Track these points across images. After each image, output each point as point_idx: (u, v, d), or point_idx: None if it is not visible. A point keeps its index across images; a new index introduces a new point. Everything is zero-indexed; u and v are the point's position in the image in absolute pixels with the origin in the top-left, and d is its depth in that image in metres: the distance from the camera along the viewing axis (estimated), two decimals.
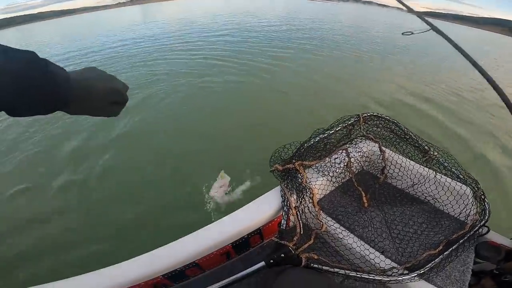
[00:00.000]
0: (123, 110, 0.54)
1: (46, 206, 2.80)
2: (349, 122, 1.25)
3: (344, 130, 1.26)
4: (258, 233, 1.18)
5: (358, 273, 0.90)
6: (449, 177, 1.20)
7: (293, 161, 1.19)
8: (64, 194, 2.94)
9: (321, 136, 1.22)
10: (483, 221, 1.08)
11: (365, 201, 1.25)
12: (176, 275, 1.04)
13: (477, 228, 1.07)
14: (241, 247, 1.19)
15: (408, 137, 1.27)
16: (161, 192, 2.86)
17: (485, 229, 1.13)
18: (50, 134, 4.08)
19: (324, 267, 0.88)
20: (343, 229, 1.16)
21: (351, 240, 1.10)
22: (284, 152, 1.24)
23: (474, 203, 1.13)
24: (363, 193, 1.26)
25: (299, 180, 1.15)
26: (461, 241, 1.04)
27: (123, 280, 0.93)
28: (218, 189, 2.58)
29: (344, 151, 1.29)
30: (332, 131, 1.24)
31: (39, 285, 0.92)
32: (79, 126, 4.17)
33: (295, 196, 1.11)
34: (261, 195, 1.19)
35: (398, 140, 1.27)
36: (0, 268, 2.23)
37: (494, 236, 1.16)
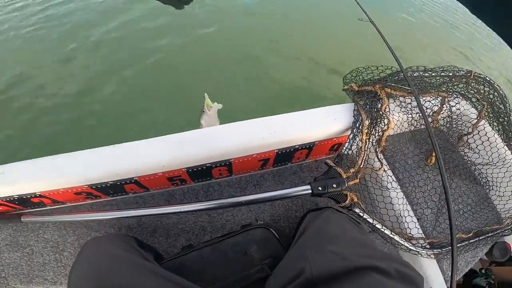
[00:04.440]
0: None
1: None
2: (458, 74, 1.06)
3: (446, 78, 1.07)
4: (308, 148, 0.99)
5: (392, 232, 0.80)
6: None
7: (376, 85, 0.98)
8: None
9: (418, 73, 1.03)
10: None
11: (432, 159, 1.12)
12: (199, 172, 0.90)
13: (510, 228, 0.99)
14: (282, 158, 1.02)
15: (505, 120, 1.08)
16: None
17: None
18: None
19: (364, 215, 0.77)
20: (394, 179, 1.02)
21: (396, 195, 0.98)
22: (365, 74, 1.04)
23: None
24: (434, 150, 1.13)
25: (378, 106, 0.96)
26: (490, 234, 0.97)
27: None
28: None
29: (441, 97, 1.09)
30: (434, 74, 1.04)
31: None
32: None
33: (368, 122, 0.92)
34: (326, 106, 0.97)
35: (491, 115, 1.12)
36: None
37: (510, 239, 1.10)
